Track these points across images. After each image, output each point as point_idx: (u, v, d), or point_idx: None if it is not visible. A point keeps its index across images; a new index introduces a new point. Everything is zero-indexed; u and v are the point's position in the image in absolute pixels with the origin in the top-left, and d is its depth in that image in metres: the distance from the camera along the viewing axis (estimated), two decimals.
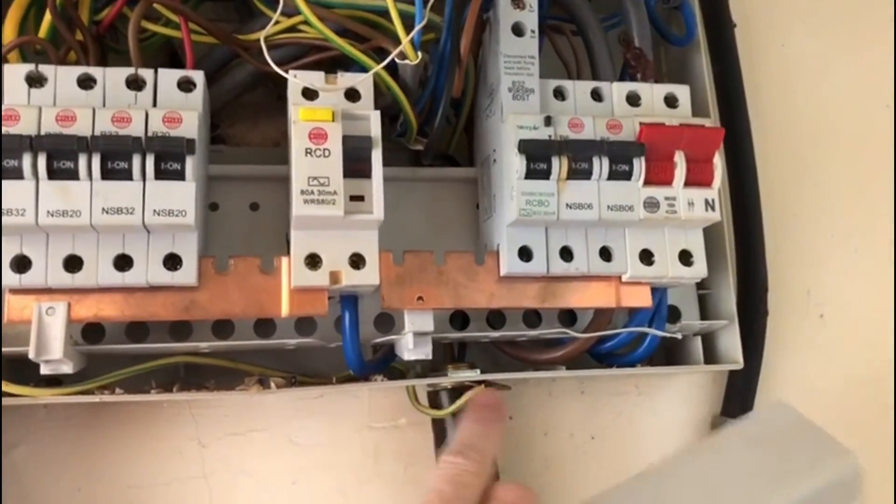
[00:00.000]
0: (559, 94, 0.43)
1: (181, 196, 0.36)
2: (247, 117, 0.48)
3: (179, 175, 0.36)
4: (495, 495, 0.33)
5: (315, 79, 0.39)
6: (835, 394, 0.53)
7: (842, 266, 0.55)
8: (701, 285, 0.47)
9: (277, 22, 0.41)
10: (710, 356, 0.48)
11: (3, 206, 0.34)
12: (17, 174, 0.35)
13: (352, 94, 0.40)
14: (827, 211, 0.56)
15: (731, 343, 0.46)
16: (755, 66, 0.55)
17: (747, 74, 0.53)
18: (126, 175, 0.36)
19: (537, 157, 0.39)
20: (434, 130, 0.43)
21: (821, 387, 0.53)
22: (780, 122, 0.56)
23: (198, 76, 0.39)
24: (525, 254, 0.41)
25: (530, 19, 0.42)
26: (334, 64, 0.42)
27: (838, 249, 0.55)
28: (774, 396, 0.52)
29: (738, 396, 0.50)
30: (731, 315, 0.46)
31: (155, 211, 0.36)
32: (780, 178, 0.55)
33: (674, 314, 0.47)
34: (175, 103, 0.38)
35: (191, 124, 0.37)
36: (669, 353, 0.49)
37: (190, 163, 0.36)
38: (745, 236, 0.51)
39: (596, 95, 0.43)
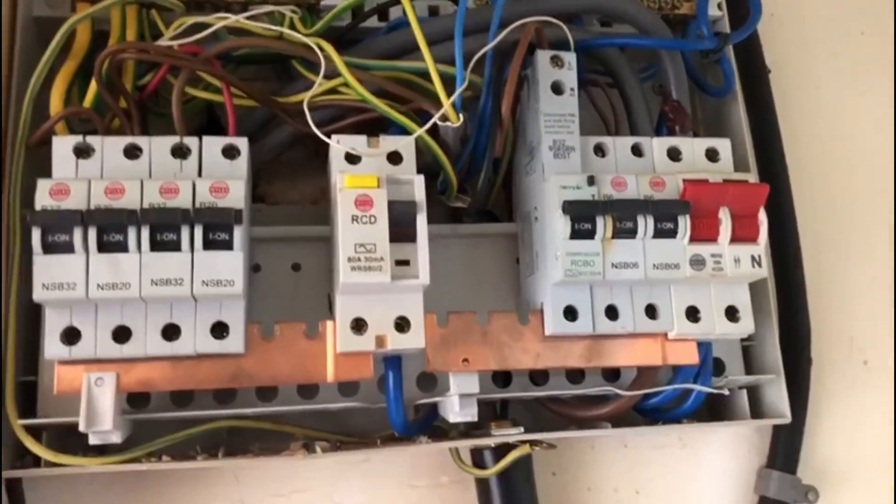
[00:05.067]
0: (599, 150, 0.42)
1: (229, 266, 0.36)
2: (285, 175, 0.48)
3: (227, 245, 0.36)
4: None
5: (358, 143, 0.39)
6: (881, 441, 0.52)
7: (884, 311, 0.54)
8: (745, 337, 0.47)
9: (319, 84, 0.41)
10: (756, 409, 0.47)
11: (53, 281, 0.35)
12: (68, 248, 0.35)
13: (394, 157, 0.40)
14: (867, 256, 0.55)
15: (778, 396, 0.46)
16: (790, 110, 0.55)
17: (782, 119, 0.53)
18: (174, 246, 0.36)
19: (581, 217, 0.39)
20: (477, 190, 0.43)
21: (867, 435, 0.52)
22: (817, 166, 0.56)
23: (242, 143, 0.39)
24: (570, 313, 0.40)
25: (569, 77, 0.42)
26: (373, 125, 0.42)
27: (880, 294, 0.55)
28: (820, 445, 0.51)
29: (784, 448, 0.49)
30: (777, 368, 0.46)
31: (203, 281, 0.36)
32: (818, 223, 0.54)
33: (718, 367, 0.46)
34: (220, 170, 0.38)
35: (237, 194, 0.37)
36: (714, 406, 0.48)
37: (238, 233, 0.36)
38: (786, 286, 0.50)
39: (636, 151, 0.43)
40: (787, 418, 0.45)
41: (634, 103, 0.46)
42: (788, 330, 0.50)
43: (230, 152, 0.39)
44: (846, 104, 0.58)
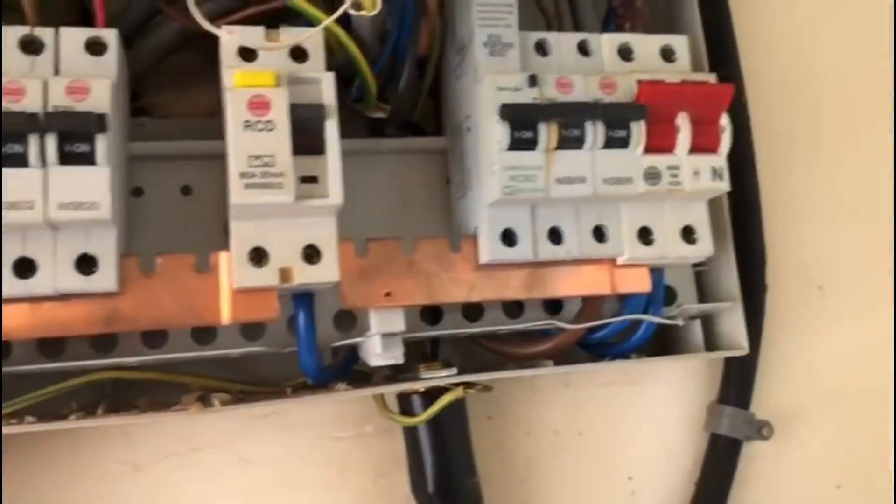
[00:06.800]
0: (541, 48, 0.37)
1: (92, 184, 0.29)
2: (174, 84, 0.41)
3: (89, 159, 0.29)
4: None
5: (253, 36, 0.33)
6: (837, 372, 0.49)
7: (840, 232, 0.51)
8: (697, 262, 0.42)
9: None
10: (710, 340, 0.43)
11: None
12: None
13: (298, 54, 0.33)
14: (823, 173, 0.51)
15: (735, 326, 0.41)
16: (747, 14, 0.50)
17: (738, 23, 0.48)
18: (21, 161, 0.29)
19: (522, 123, 0.33)
20: (398, 94, 0.36)
21: (822, 365, 0.49)
22: (772, 76, 0.51)
23: (110, 35, 0.32)
24: (508, 238, 0.35)
25: None
26: (277, 19, 0.35)
27: (836, 214, 0.51)
28: (773, 378, 0.48)
29: (736, 382, 0.46)
30: (735, 295, 0.41)
31: (60, 204, 0.29)
32: (773, 138, 0.50)
33: (669, 296, 0.42)
34: (82, 70, 0.31)
35: (101, 95, 0.30)
36: (663, 339, 0.44)
37: (102, 143, 0.29)
38: (740, 205, 0.46)
39: (583, 49, 0.37)
40: (744, 349, 0.41)
41: None
42: (742, 254, 0.45)
43: (95, 48, 0.32)
44: (805, 9, 0.53)
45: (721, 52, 0.46)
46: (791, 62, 0.52)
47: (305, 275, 0.32)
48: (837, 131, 0.52)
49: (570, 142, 0.34)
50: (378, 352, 0.34)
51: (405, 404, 0.40)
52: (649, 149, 0.35)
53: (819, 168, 0.51)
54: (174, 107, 0.41)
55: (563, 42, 0.37)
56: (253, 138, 0.30)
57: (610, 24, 0.40)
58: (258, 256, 0.32)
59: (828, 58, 0.52)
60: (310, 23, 0.34)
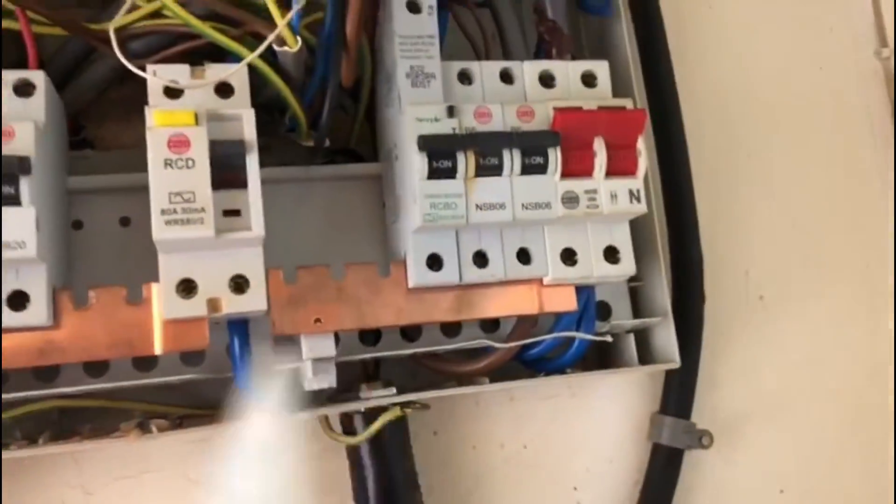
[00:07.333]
0: (465, 77, 0.38)
1: (19, 224, 0.31)
2: (118, 116, 0.42)
3: (14, 200, 0.31)
4: None
5: (179, 73, 0.34)
6: (778, 380, 0.50)
7: (779, 243, 0.52)
8: (632, 278, 0.43)
9: (135, 7, 0.36)
10: (645, 353, 0.44)
11: None
12: None
13: (224, 90, 0.34)
14: (762, 184, 0.52)
15: (667, 340, 0.43)
16: (681, 30, 0.51)
17: (673, 40, 0.49)
18: None
19: (440, 153, 0.34)
20: (322, 125, 0.38)
21: (765, 371, 0.50)
22: (710, 90, 0.52)
23: (37, 77, 0.33)
24: (435, 262, 0.36)
25: None
26: (207, 56, 0.37)
27: (775, 225, 0.52)
28: (716, 387, 0.49)
29: (676, 392, 0.47)
30: (665, 310, 0.42)
31: None
32: (711, 150, 0.51)
33: (604, 311, 0.43)
34: (10, 112, 0.32)
35: (26, 138, 0.31)
36: (602, 352, 0.45)
37: (26, 185, 0.31)
38: (677, 219, 0.47)
39: (506, 77, 0.38)
40: (675, 363, 0.42)
41: (507, 24, 0.41)
42: (680, 266, 0.47)
43: (23, 89, 0.33)
44: (740, 24, 0.54)
45: (655, 70, 0.47)
46: (730, 76, 0.53)
47: (233, 304, 0.33)
48: (777, 143, 0.53)
49: (489, 169, 0.35)
50: (310, 377, 0.35)
51: (347, 423, 0.41)
52: (567, 174, 0.36)
53: (759, 180, 0.52)
54: (118, 138, 0.42)
55: (485, 71, 0.38)
56: (173, 176, 0.31)
57: (541, 51, 0.42)
58: (187, 287, 0.33)
59: (766, 71, 0.54)
60: (238, 58, 0.35)
